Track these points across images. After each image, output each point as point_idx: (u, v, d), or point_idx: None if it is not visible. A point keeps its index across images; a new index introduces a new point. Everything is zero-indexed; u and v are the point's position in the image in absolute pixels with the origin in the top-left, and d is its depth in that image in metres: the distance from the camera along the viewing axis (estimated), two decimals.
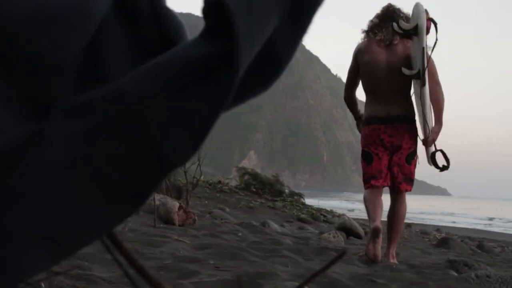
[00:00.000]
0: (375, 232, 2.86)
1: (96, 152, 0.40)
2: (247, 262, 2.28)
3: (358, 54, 3.14)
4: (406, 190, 3.08)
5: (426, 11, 2.85)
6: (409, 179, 3.06)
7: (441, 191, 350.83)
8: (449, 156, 2.98)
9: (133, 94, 0.41)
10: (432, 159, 3.00)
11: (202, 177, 15.14)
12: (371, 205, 3.03)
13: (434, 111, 2.94)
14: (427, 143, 2.98)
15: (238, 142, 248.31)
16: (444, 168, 3.03)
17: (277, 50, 0.48)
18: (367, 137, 3.09)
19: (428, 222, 19.06)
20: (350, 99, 3.37)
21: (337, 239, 4.40)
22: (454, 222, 20.45)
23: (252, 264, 2.24)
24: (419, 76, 2.80)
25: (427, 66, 2.77)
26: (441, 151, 3.00)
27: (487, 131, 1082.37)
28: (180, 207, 3.89)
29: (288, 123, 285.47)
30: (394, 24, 2.90)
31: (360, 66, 3.13)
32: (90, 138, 0.41)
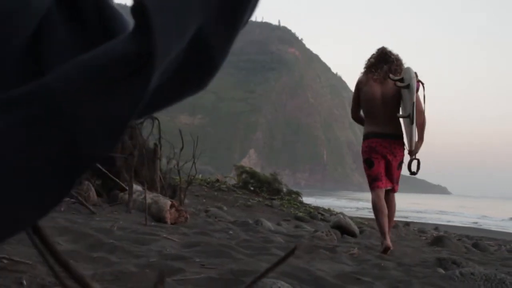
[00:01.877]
0: (386, 250, 3.63)
1: (19, 147, 0.40)
2: (233, 260, 2.28)
3: (360, 86, 3.93)
4: (395, 191, 3.96)
5: (416, 74, 3.69)
6: (397, 181, 3.98)
7: (441, 190, 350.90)
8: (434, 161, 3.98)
9: (57, 90, 0.41)
10: (408, 165, 3.79)
11: (200, 175, 15.20)
12: (380, 216, 3.77)
13: (418, 133, 3.73)
14: (412, 154, 3.77)
15: (238, 141, 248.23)
16: (414, 173, 3.85)
17: (209, 49, 0.48)
18: (367, 148, 3.89)
19: (427, 221, 19.10)
20: (358, 118, 4.08)
21: (330, 238, 4.41)
22: (451, 221, 20.48)
23: (238, 262, 2.24)
24: (409, 117, 3.64)
25: (415, 113, 3.61)
26: (418, 160, 3.80)
27: (487, 130, 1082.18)
28: (172, 206, 3.88)
29: (288, 122, 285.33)
30: (391, 76, 3.74)
31: (361, 95, 3.91)
32: (14, 133, 0.41)
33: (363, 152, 3.91)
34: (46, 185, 0.41)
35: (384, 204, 3.79)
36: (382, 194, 3.82)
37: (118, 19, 0.59)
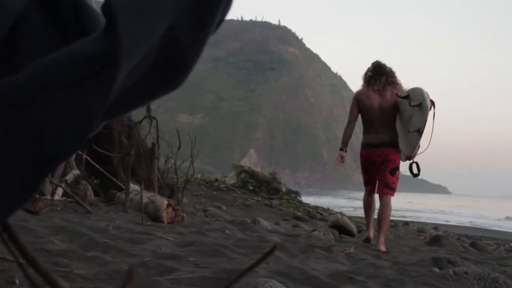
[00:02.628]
0: (367, 240, 4.26)
1: None
2: (227, 259, 2.28)
3: (359, 97, 4.29)
4: (387, 194, 4.18)
5: (427, 94, 4.04)
6: (390, 187, 4.19)
7: (441, 190, 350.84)
8: (422, 166, 4.16)
9: (24, 87, 0.41)
10: (409, 168, 4.19)
11: (199, 175, 15.10)
12: (367, 210, 4.37)
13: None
14: (409, 158, 4.17)
15: (238, 141, 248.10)
16: (416, 175, 4.23)
17: (182, 48, 0.48)
18: (365, 157, 4.32)
19: (427, 221, 19.11)
20: (350, 131, 4.41)
21: (327, 237, 4.41)
22: (450, 221, 20.49)
23: (232, 261, 2.24)
24: (419, 131, 3.99)
25: (423, 129, 3.98)
26: (416, 163, 4.18)
27: (488, 130, 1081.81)
28: (168, 205, 3.88)
29: (288, 122, 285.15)
30: (400, 93, 4.16)
31: (360, 105, 4.27)
32: None
33: (361, 158, 4.37)
34: (12, 185, 0.41)
35: (371, 200, 4.38)
36: (372, 196, 4.38)
37: (96, 19, 0.60)
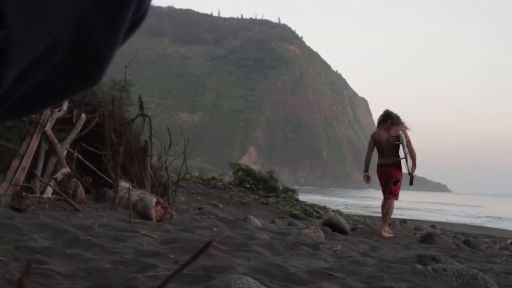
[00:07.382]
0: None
1: None
2: (208, 256, 2.28)
3: (374, 135, 6.34)
4: (389, 198, 6.20)
5: (404, 136, 6.14)
6: (393, 193, 6.19)
7: (440, 188, 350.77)
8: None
9: None
10: (410, 181, 6.21)
11: (196, 173, 15.00)
12: (382, 212, 6.37)
13: (412, 162, 6.12)
14: (410, 174, 6.20)
15: (238, 139, 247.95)
16: (411, 184, 6.16)
17: (93, 44, 0.47)
18: (379, 173, 6.29)
19: (426, 218, 19.13)
20: (368, 160, 6.47)
21: (318, 234, 4.41)
22: (449, 219, 20.52)
23: (212, 258, 2.24)
24: (405, 158, 6.15)
25: (406, 158, 6.16)
26: (413, 177, 6.21)
27: (489, 128, 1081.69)
28: (157, 203, 3.88)
29: (288, 120, 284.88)
30: (392, 133, 6.23)
31: (375, 141, 6.28)
32: None
33: (377, 174, 6.30)
34: None
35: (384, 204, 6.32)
36: (384, 200, 6.28)
37: None
